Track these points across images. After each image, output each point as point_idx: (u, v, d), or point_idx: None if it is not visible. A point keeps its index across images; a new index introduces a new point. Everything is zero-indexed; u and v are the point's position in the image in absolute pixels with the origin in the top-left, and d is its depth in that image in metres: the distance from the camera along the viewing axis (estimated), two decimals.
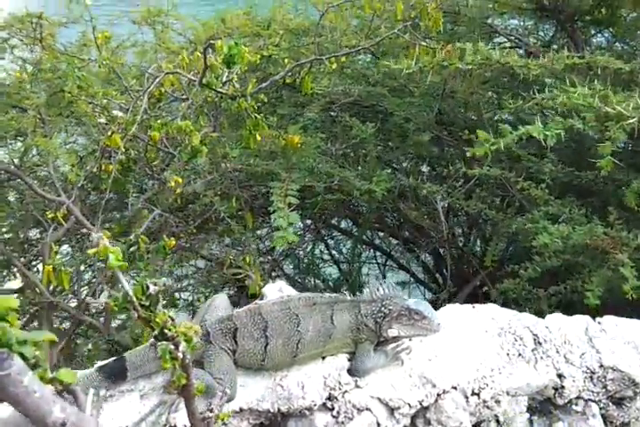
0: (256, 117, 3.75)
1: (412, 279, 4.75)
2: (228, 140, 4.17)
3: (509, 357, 2.10)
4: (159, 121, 3.76)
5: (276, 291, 2.26)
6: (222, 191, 4.09)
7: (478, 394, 2.00)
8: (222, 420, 1.61)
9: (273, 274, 4.74)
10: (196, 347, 1.51)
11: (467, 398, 1.98)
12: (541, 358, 2.11)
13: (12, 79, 4.11)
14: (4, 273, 4.19)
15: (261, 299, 2.25)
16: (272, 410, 1.86)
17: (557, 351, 2.13)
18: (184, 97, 4.10)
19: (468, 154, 3.19)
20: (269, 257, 4.81)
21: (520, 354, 2.11)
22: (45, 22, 4.19)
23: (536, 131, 3.00)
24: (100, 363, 1.95)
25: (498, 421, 2.04)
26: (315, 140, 4.13)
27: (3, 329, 1.08)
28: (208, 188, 3.99)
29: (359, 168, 4.30)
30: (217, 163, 4.06)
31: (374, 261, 5.00)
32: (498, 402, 2.01)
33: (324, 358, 2.05)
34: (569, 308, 3.65)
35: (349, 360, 2.04)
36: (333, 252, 4.96)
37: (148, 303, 1.54)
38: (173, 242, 3.64)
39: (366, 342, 2.05)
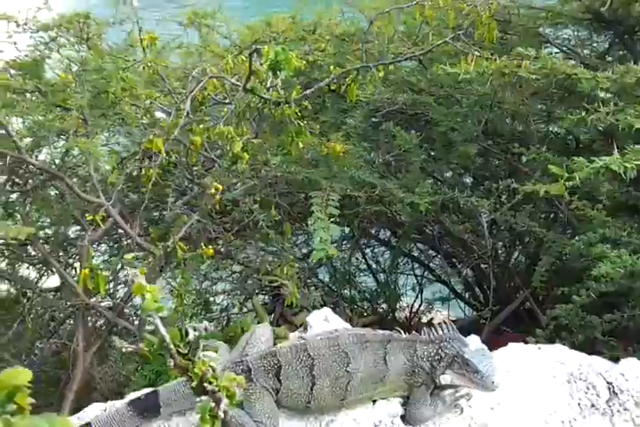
0: (299, 124, 3.48)
1: (451, 294, 4.42)
2: (269, 147, 3.90)
3: (581, 408, 1.79)
4: (201, 126, 3.51)
5: (322, 320, 1.99)
6: (262, 198, 3.83)
7: None
8: None
9: (308, 282, 4.47)
10: (237, 401, 1.24)
11: None
12: (618, 411, 1.79)
13: (57, 79, 3.91)
14: (43, 271, 4.00)
15: (305, 329, 1.97)
16: None
17: (636, 404, 1.80)
18: (227, 101, 3.84)
19: (542, 193, 2.83)
20: (305, 264, 4.53)
21: (593, 405, 1.79)
22: (92, 22, 3.98)
23: (615, 163, 2.63)
24: (131, 396, 1.70)
25: None
26: (357, 149, 3.84)
27: (6, 421, 0.82)
28: (247, 193, 3.73)
29: (401, 179, 3.98)
30: (257, 169, 3.81)
31: (412, 273, 4.68)
32: None
33: (374, 401, 1.76)
34: (624, 336, 3.29)
35: (403, 405, 1.75)
36: (370, 261, 4.65)
37: (186, 351, 1.26)
38: (211, 251, 3.39)
39: (422, 387, 1.76)
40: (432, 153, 4.38)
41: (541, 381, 1.89)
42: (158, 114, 3.94)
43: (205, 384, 1.28)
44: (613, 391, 1.87)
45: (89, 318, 3.92)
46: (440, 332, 1.81)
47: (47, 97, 3.78)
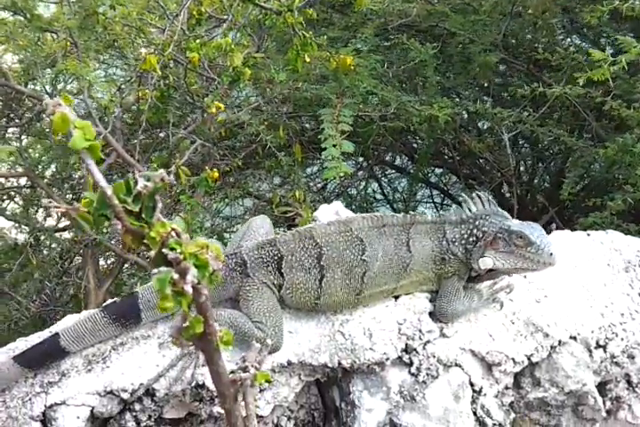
0: (304, 35, 3.01)
1: None
2: (274, 64, 3.46)
3: None
4: (197, 41, 3.06)
5: (332, 214, 1.61)
6: (268, 121, 3.43)
7: (604, 347, 1.35)
8: (261, 382, 0.99)
9: None
10: (216, 278, 0.88)
11: (590, 351, 1.32)
12: None
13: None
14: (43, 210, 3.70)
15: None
16: (330, 364, 1.27)
17: None
18: (225, 17, 3.37)
19: (581, 81, 2.39)
20: (321, 196, 4.16)
21: None
22: None
23: None
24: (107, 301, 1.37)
25: (629, 381, 1.37)
26: (369, 61, 3.37)
27: None
28: (253, 115, 3.33)
29: (418, 95, 3.53)
30: (262, 88, 3.40)
31: (431, 201, 4.29)
32: (631, 357, 1.35)
33: (396, 297, 1.42)
34: None
35: (431, 301, 1.40)
36: (387, 190, 4.26)
37: (137, 208, 0.88)
38: (217, 173, 3.02)
39: (454, 278, 1.40)
40: (449, 69, 3.91)
41: (594, 270, 1.52)
42: (152, 34, 3.51)
43: (166, 252, 0.90)
44: None
45: (99, 256, 3.66)
46: (473, 208, 1.44)
47: (32, 20, 3.38)
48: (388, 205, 4.48)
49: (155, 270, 0.89)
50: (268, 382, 1.25)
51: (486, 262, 1.38)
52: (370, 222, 1.42)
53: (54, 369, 1.31)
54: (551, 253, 1.33)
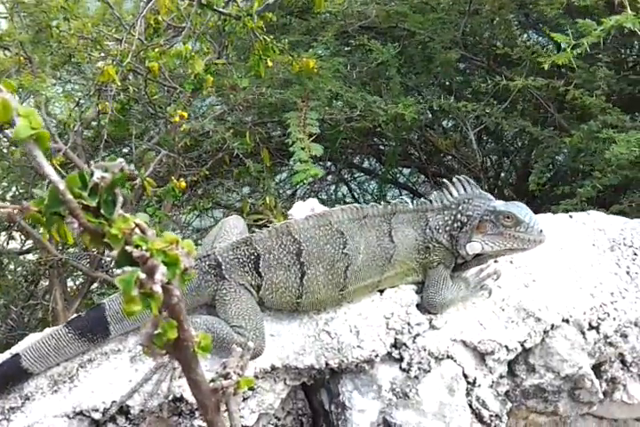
0: (265, 40, 2.95)
1: None
2: (236, 70, 3.38)
3: (631, 276, 1.38)
4: (156, 50, 2.96)
5: (308, 212, 1.53)
6: (234, 128, 3.34)
7: (597, 328, 1.30)
8: (243, 389, 0.88)
9: None
10: (190, 276, 0.79)
11: (583, 333, 1.27)
12: None
13: None
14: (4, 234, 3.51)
15: None
16: (317, 366, 1.18)
17: None
18: (184, 25, 3.28)
19: (545, 66, 2.39)
20: (291, 202, 4.07)
21: None
22: None
23: (629, 20, 2.16)
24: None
25: (623, 361, 1.32)
26: (332, 63, 3.33)
27: None
28: (218, 123, 3.24)
29: (382, 95, 3.51)
30: (226, 95, 3.31)
31: (401, 201, 4.23)
32: (624, 336, 1.30)
33: (382, 291, 1.34)
34: None
35: (418, 293, 1.33)
36: (357, 193, 4.21)
37: (95, 203, 0.77)
38: (183, 184, 2.91)
39: (440, 267, 1.34)
40: (412, 69, 3.90)
41: (580, 251, 1.47)
42: (109, 45, 3.40)
43: (130, 250, 0.80)
44: None
45: (66, 276, 3.48)
46: (455, 193, 1.38)
47: None
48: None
49: (118, 271, 0.79)
50: (251, 389, 1.15)
51: (474, 247, 1.32)
52: (349, 214, 1.34)
53: (16, 393, 1.18)
54: (541, 230, 1.28)
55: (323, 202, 4.18)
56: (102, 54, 3.31)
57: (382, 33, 3.91)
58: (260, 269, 1.29)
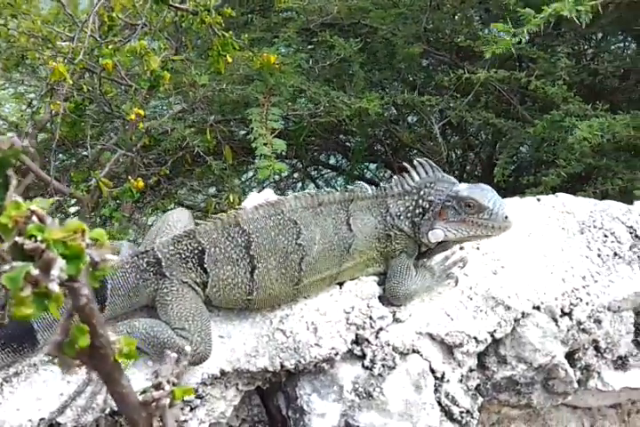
0: (224, 35, 2.82)
1: None
2: (196, 67, 3.23)
3: (602, 259, 1.29)
4: (110, 47, 2.80)
5: None
6: (195, 126, 3.19)
7: (570, 314, 1.20)
8: (180, 399, 0.75)
9: None
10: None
11: (555, 320, 1.17)
12: None
13: None
14: None
15: None
16: (272, 368, 1.05)
17: None
18: (139, 23, 3.11)
19: (487, 55, 2.32)
20: None
21: (616, 254, 1.30)
22: None
23: (566, 7, 2.11)
24: None
25: (597, 347, 1.22)
26: (294, 59, 3.21)
27: None
28: (178, 121, 3.08)
29: (347, 91, 3.41)
30: (185, 93, 3.16)
31: None
32: (597, 322, 1.21)
33: (341, 284, 1.21)
34: None
35: (380, 285, 1.21)
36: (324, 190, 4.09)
37: None
38: (141, 183, 2.74)
39: (402, 256, 1.23)
40: (375, 65, 3.81)
41: (549, 235, 1.38)
42: (60, 43, 3.21)
43: (22, 241, 0.67)
44: (636, 236, 1.39)
45: None
46: (416, 177, 1.27)
47: None
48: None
49: (5, 266, 0.65)
50: (199, 397, 1.01)
51: (437, 235, 1.21)
52: (303, 202, 1.22)
53: None
54: (506, 217, 1.18)
55: None
56: (54, 53, 3.12)
57: (345, 29, 3.81)
58: (206, 265, 1.16)
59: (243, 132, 3.62)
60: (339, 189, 1.28)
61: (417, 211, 1.23)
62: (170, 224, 1.28)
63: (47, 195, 3.04)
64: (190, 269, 1.15)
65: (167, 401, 0.81)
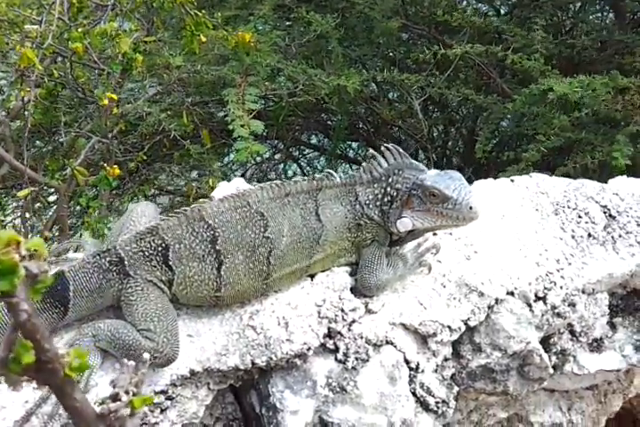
0: (196, 15, 2.70)
1: None
2: (170, 48, 3.10)
3: (576, 240, 1.26)
4: (80, 29, 2.67)
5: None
6: (171, 109, 3.08)
7: (544, 298, 1.18)
8: (141, 409, 0.71)
9: None
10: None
11: (529, 305, 1.14)
12: (620, 236, 1.28)
13: None
14: None
15: None
16: (243, 366, 1.02)
17: (638, 224, 1.27)
18: (108, 3, 2.96)
19: None
20: None
21: (590, 235, 1.27)
22: None
23: None
24: None
25: (572, 331, 1.20)
26: (270, 37, 3.09)
27: None
28: (154, 105, 2.97)
29: (325, 68, 3.30)
30: (159, 75, 3.03)
31: None
32: (572, 305, 1.19)
33: (312, 276, 1.17)
34: None
35: (352, 275, 1.17)
36: (307, 170, 4.03)
37: None
38: (117, 170, 2.64)
39: (373, 245, 1.18)
40: (354, 42, 3.69)
41: (523, 217, 1.34)
42: (28, 27, 3.05)
43: None
44: (610, 215, 1.35)
45: None
46: (384, 164, 1.21)
47: None
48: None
49: None
50: (170, 398, 0.98)
51: (405, 224, 1.16)
52: (270, 193, 1.17)
53: None
54: (471, 207, 1.13)
55: (272, 181, 3.99)
56: (21, 37, 2.97)
57: (321, 4, 3.67)
58: (171, 262, 1.11)
59: (221, 114, 3.52)
60: (314, 173, 1.22)
61: (385, 199, 1.19)
62: (134, 219, 1.22)
63: (23, 185, 2.95)
64: (155, 267, 1.10)
65: (126, 412, 0.76)
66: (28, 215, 2.97)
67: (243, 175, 3.95)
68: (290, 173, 4.06)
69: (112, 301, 1.11)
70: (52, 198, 3.36)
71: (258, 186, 1.20)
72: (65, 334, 1.09)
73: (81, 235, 3.01)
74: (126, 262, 1.09)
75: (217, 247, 1.11)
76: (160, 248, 1.11)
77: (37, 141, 3.41)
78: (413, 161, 1.20)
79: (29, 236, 3.09)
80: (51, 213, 3.04)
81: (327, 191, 1.20)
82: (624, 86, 2.25)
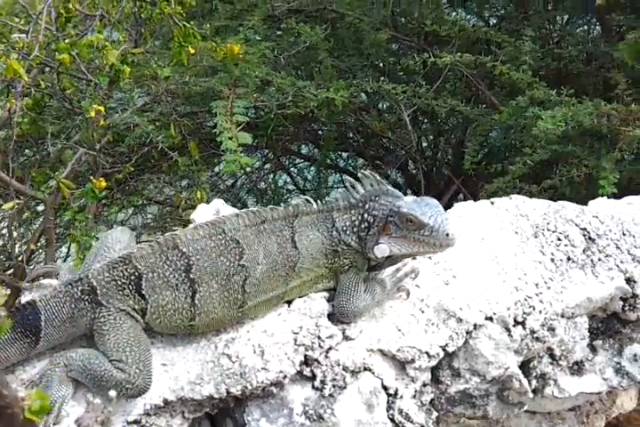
0: (185, 26, 2.70)
1: None
2: (158, 60, 3.09)
3: (555, 264, 1.25)
4: (66, 40, 2.65)
5: (213, 215, 1.32)
6: (160, 120, 3.06)
7: (523, 323, 1.17)
8: None
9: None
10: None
11: (508, 330, 1.13)
12: (599, 259, 1.27)
13: None
14: None
15: None
16: (217, 395, 0.99)
17: (618, 247, 1.28)
18: (96, 14, 2.94)
19: None
20: (230, 193, 3.85)
21: (570, 258, 1.26)
22: None
23: None
24: None
25: (552, 355, 1.19)
26: (259, 48, 3.09)
27: None
28: (141, 115, 2.95)
29: (313, 80, 3.30)
30: (147, 86, 3.02)
31: (342, 186, 4.08)
32: (551, 330, 1.18)
33: (289, 302, 1.16)
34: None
35: (330, 301, 1.16)
36: (297, 180, 4.02)
37: None
38: (103, 183, 2.62)
39: (351, 271, 1.17)
40: (343, 53, 3.69)
41: (502, 240, 1.33)
42: (15, 36, 3.03)
43: None
44: (589, 238, 1.34)
45: None
46: (361, 190, 1.20)
47: None
48: (301, 195, 4.26)
49: None
50: None
51: (382, 250, 1.15)
52: (245, 220, 1.15)
53: None
54: (447, 234, 1.12)
55: (262, 192, 4.00)
56: (7, 48, 2.95)
57: (311, 15, 3.67)
58: (144, 291, 1.09)
59: (211, 125, 3.51)
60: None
61: (362, 225, 1.18)
62: (108, 246, 1.20)
63: (10, 196, 2.92)
64: (127, 296, 1.09)
65: None
66: (13, 227, 2.94)
67: (233, 185, 3.94)
68: (280, 182, 4.05)
69: (85, 330, 1.09)
70: (40, 208, 3.34)
71: (234, 213, 1.18)
72: (37, 362, 1.07)
73: (68, 251, 2.98)
74: (98, 291, 1.08)
75: (191, 276, 1.10)
76: (133, 277, 1.09)
77: (27, 150, 3.38)
78: (390, 187, 1.19)
79: (16, 247, 3.06)
80: (39, 224, 3.01)
81: (304, 218, 1.19)
82: (607, 113, 2.25)
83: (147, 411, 1.02)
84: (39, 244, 2.91)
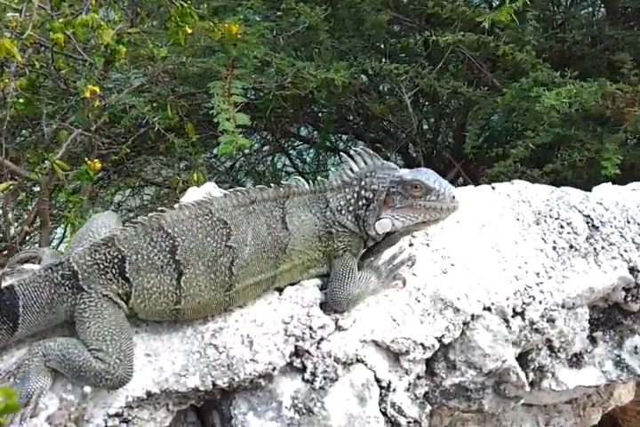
0: (182, 5, 2.59)
1: None
2: (156, 39, 2.98)
3: (557, 252, 1.19)
4: (61, 20, 2.55)
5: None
6: (156, 101, 2.96)
7: (522, 313, 1.10)
8: None
9: None
10: None
11: (507, 321, 1.07)
12: (602, 248, 1.20)
13: None
14: None
15: None
16: (203, 388, 0.93)
17: (622, 236, 1.21)
18: None
19: (486, 24, 2.20)
20: (228, 175, 3.77)
21: (572, 246, 1.19)
22: None
23: None
24: None
25: (551, 347, 1.13)
26: (258, 28, 2.98)
27: None
28: (137, 96, 2.85)
29: (313, 61, 3.18)
30: (144, 66, 2.92)
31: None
32: (551, 321, 1.11)
33: (280, 290, 1.09)
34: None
35: (322, 290, 1.09)
36: (297, 162, 3.92)
37: None
38: (98, 164, 2.54)
39: (345, 255, 1.11)
40: (343, 33, 3.56)
41: (503, 227, 1.26)
42: (8, 15, 2.91)
43: None
44: (593, 226, 1.27)
45: None
46: (355, 167, 1.14)
47: None
48: (300, 177, 4.17)
49: None
50: (125, 421, 0.90)
51: (384, 225, 1.10)
52: (234, 201, 1.08)
53: None
54: (453, 196, 1.08)
55: (260, 174, 3.91)
56: (1, 27, 2.83)
57: None
58: (127, 274, 1.03)
59: (209, 106, 3.40)
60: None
61: (360, 202, 1.11)
62: (93, 230, 1.13)
63: (3, 177, 2.83)
64: (110, 280, 1.02)
65: None
66: (9, 208, 2.86)
67: (231, 167, 3.85)
68: (280, 164, 3.96)
69: (65, 316, 1.03)
70: (37, 189, 3.26)
71: (222, 193, 1.11)
72: (16, 351, 1.01)
73: (65, 232, 2.92)
74: (80, 276, 1.01)
75: (176, 257, 1.03)
76: (116, 260, 1.02)
77: (23, 131, 3.29)
78: (385, 161, 1.13)
79: (11, 228, 2.99)
80: (35, 205, 2.94)
81: (295, 199, 1.12)
82: (612, 93, 2.16)
83: (129, 403, 0.96)
84: (34, 225, 2.84)
